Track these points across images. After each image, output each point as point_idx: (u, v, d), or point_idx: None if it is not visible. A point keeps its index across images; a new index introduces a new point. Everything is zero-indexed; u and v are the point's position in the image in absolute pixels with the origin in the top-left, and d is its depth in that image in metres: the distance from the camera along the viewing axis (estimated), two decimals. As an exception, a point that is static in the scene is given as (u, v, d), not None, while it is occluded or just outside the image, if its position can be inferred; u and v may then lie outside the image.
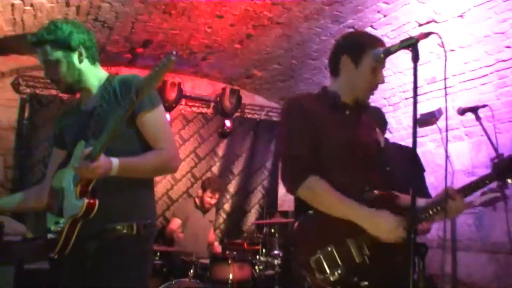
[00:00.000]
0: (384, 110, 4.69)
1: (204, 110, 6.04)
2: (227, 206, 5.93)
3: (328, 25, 4.18)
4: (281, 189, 5.81)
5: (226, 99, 5.81)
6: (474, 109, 2.93)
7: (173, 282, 4.01)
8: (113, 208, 1.84)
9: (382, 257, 1.74)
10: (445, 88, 1.96)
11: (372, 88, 1.98)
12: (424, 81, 4.28)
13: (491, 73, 3.80)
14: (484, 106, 2.94)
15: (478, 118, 2.90)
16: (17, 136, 5.03)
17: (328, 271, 1.67)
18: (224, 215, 5.91)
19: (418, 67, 1.57)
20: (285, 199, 5.84)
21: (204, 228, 5.06)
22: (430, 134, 4.55)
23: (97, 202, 1.75)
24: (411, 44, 1.58)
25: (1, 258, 3.17)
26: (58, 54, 1.90)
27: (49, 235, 1.86)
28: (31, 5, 3.85)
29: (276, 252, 4.60)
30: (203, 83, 6.04)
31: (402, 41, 1.61)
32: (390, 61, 4.10)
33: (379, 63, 1.93)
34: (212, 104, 6.03)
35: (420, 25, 3.77)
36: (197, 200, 5.08)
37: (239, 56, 5.21)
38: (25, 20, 4.10)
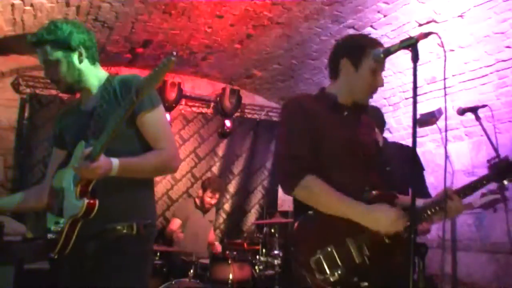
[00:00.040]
0: (384, 110, 4.70)
1: (204, 110, 6.04)
2: (227, 206, 5.93)
3: (328, 25, 4.19)
4: (281, 189, 5.80)
5: (226, 99, 5.81)
6: (474, 109, 2.93)
7: (173, 282, 4.01)
8: (113, 208, 1.84)
9: (382, 258, 1.74)
10: (445, 88, 1.96)
11: (372, 91, 1.98)
12: (424, 81, 4.28)
13: (491, 73, 3.81)
14: (484, 106, 2.94)
15: (478, 118, 2.90)
16: (17, 136, 5.03)
17: (328, 271, 1.67)
18: (224, 215, 5.91)
19: (418, 67, 1.57)
20: (285, 199, 5.84)
21: (204, 228, 5.07)
22: (430, 134, 4.55)
23: (97, 202, 1.75)
24: (411, 44, 1.58)
25: (1, 258, 3.17)
26: (58, 54, 1.91)
27: (49, 235, 1.86)
28: (31, 5, 3.85)
29: (276, 252, 4.60)
30: (203, 83, 6.04)
31: (402, 41, 1.61)
32: (390, 61, 4.11)
33: (379, 66, 1.93)
34: (212, 104, 6.03)
35: (420, 25, 3.77)
36: (197, 200, 5.08)
37: (239, 56, 5.21)
38: (25, 20, 4.10)
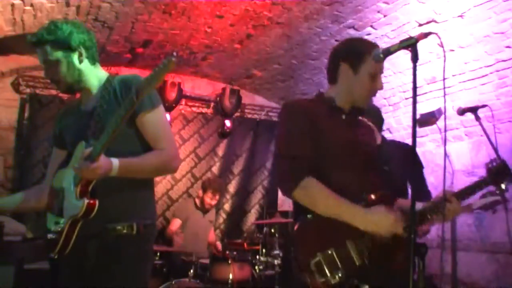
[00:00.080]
0: (384, 110, 4.71)
1: (204, 110, 6.04)
2: (227, 206, 5.93)
3: (328, 25, 4.19)
4: (280, 191, 5.80)
5: (226, 99, 5.81)
6: (474, 109, 2.93)
7: (173, 282, 4.01)
8: (113, 208, 1.84)
9: (382, 260, 1.74)
10: (444, 88, 1.97)
11: (371, 94, 1.98)
12: (424, 81, 4.28)
13: (491, 73, 3.81)
14: (484, 106, 2.94)
15: (478, 118, 2.90)
16: (17, 136, 5.03)
17: (328, 274, 1.68)
18: (224, 215, 5.91)
19: (418, 67, 1.57)
20: (285, 199, 5.83)
21: (204, 228, 5.07)
22: (430, 134, 4.55)
23: (97, 202, 1.75)
24: (410, 44, 1.58)
25: (1, 258, 3.18)
26: (58, 54, 1.91)
27: (49, 235, 1.86)
28: (31, 5, 3.85)
29: (276, 252, 4.60)
30: (203, 83, 6.05)
31: (401, 41, 1.61)
32: (390, 61, 4.12)
33: (378, 70, 1.93)
34: (212, 104, 6.03)
35: (420, 25, 3.78)
36: (197, 201, 5.08)
37: (239, 56, 5.21)
38: (25, 20, 4.10)
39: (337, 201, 1.77)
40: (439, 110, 4.17)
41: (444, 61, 1.69)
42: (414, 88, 1.55)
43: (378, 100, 4.77)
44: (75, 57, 1.93)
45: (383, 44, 4.14)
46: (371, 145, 2.03)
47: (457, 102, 3.97)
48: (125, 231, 1.87)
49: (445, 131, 4.16)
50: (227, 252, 4.50)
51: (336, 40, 4.37)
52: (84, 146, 1.80)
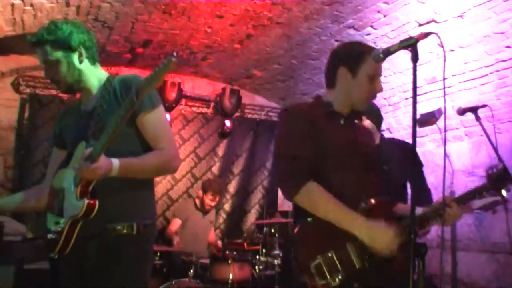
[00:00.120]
0: (384, 110, 4.71)
1: (204, 110, 6.04)
2: (227, 206, 5.93)
3: (328, 25, 4.19)
4: (282, 194, 5.80)
5: (226, 99, 5.81)
6: (474, 109, 2.93)
7: (173, 282, 4.01)
8: (113, 208, 1.84)
9: (382, 262, 1.74)
10: (444, 88, 1.97)
11: (370, 97, 1.99)
12: (424, 81, 4.29)
13: (491, 73, 3.81)
14: (484, 106, 2.95)
15: (478, 118, 2.90)
16: (17, 136, 5.03)
17: (328, 276, 1.68)
18: (224, 215, 5.91)
19: (418, 67, 1.57)
20: (285, 199, 5.83)
21: (204, 229, 5.07)
22: (430, 134, 4.55)
23: (97, 202, 1.75)
24: (410, 44, 1.58)
25: (1, 258, 3.18)
26: (58, 54, 1.90)
27: (49, 235, 1.86)
28: (31, 5, 3.85)
29: (276, 252, 4.60)
30: (203, 83, 6.04)
31: (401, 41, 1.61)
32: (390, 61, 4.12)
33: (377, 72, 1.93)
34: (212, 104, 6.03)
35: (420, 25, 3.77)
36: (197, 201, 5.08)
37: (239, 56, 5.21)
38: (25, 20, 4.10)
39: (338, 209, 1.76)
40: (439, 110, 4.17)
41: (444, 61, 1.69)
42: (414, 88, 1.55)
43: (378, 100, 4.77)
44: (75, 57, 1.93)
45: (383, 44, 4.14)
46: (370, 146, 2.03)
47: (457, 102, 3.97)
48: (125, 231, 1.87)
49: (445, 131, 4.16)
50: (227, 252, 4.50)
51: (336, 40, 4.37)
52: (84, 146, 1.80)
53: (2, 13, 3.92)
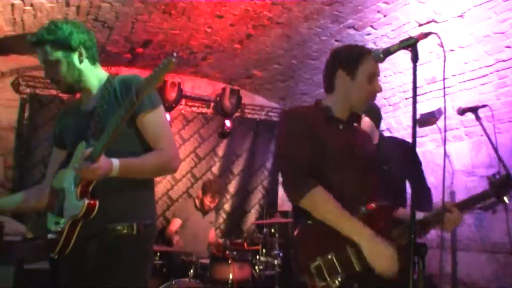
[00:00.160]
0: (384, 110, 4.71)
1: (204, 110, 6.04)
2: (227, 206, 5.93)
3: (328, 25, 4.19)
4: (281, 189, 5.79)
5: (226, 99, 5.81)
6: (474, 109, 2.93)
7: (173, 282, 4.01)
8: (113, 208, 1.84)
9: None
10: (444, 88, 1.97)
11: (370, 98, 1.99)
12: (424, 81, 4.28)
13: (491, 73, 3.81)
14: (484, 106, 2.95)
15: (478, 118, 2.90)
16: (17, 136, 5.03)
17: (328, 278, 1.68)
18: (224, 215, 5.91)
19: (418, 67, 1.57)
20: (285, 199, 5.84)
21: (204, 229, 5.07)
22: (430, 134, 4.55)
23: (97, 203, 1.75)
24: (410, 44, 1.58)
25: (1, 258, 3.18)
26: (58, 54, 1.90)
27: (49, 235, 1.86)
28: (31, 5, 3.85)
29: (276, 252, 4.61)
30: (203, 83, 6.05)
31: (401, 41, 1.61)
32: (390, 61, 4.12)
33: (375, 72, 1.94)
34: (212, 104, 6.03)
35: (420, 25, 3.77)
36: (197, 202, 5.08)
37: (239, 56, 5.21)
38: (25, 20, 4.10)
39: (343, 217, 1.75)
40: (439, 110, 4.17)
41: (444, 61, 1.69)
42: (414, 88, 1.55)
43: (378, 100, 4.77)
44: (75, 57, 1.93)
45: (383, 44, 4.14)
46: (369, 148, 2.05)
47: (457, 102, 3.97)
48: (125, 231, 1.87)
49: (445, 131, 4.16)
50: (227, 252, 4.50)
51: (336, 40, 4.37)
52: (84, 146, 1.80)
53: (2, 13, 3.92)
